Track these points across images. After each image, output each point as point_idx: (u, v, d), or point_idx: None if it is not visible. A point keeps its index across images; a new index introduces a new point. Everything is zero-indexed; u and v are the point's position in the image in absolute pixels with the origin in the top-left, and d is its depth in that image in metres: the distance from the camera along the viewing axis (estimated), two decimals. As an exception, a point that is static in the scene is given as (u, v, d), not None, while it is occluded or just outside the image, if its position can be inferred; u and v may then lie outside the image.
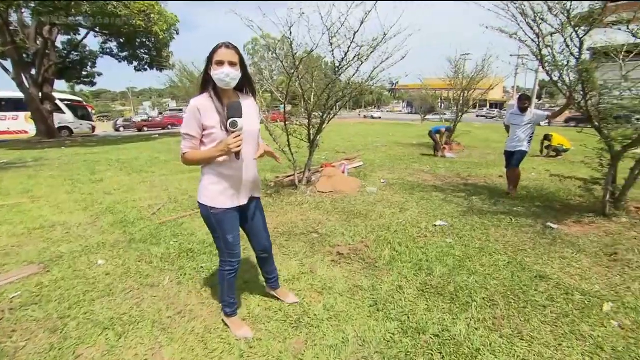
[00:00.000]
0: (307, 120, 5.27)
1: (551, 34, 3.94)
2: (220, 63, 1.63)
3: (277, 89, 5.77)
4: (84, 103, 23.06)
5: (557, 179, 4.63)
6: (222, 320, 2.11)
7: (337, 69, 4.93)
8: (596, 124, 3.74)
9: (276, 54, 4.75)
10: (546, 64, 3.94)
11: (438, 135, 9.43)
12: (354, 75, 5.17)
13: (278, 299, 2.34)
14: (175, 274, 2.74)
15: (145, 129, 27.13)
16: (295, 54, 4.60)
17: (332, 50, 4.73)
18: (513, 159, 4.97)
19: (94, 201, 5.00)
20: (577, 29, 3.66)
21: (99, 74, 23.23)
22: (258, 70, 6.00)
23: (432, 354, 1.81)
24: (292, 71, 4.64)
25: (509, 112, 5.22)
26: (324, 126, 5.43)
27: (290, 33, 4.24)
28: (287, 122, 5.33)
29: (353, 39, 4.61)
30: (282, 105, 5.50)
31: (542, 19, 3.85)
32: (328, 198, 4.96)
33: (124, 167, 8.03)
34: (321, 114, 5.31)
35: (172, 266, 2.88)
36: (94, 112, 26.93)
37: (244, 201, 1.86)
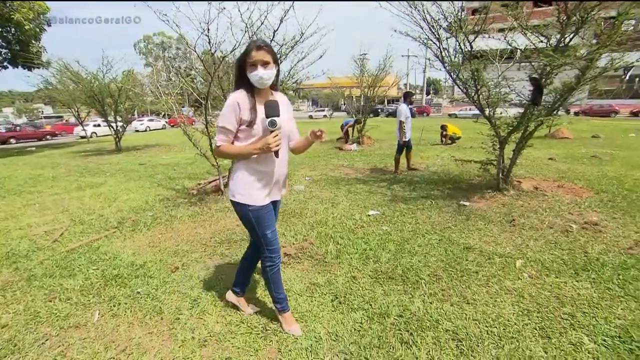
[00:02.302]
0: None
1: (447, 38, 4.57)
2: (254, 65, 1.64)
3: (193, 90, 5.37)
4: None
5: (459, 163, 5.39)
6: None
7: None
8: (487, 114, 4.48)
9: (196, 51, 4.38)
10: (446, 64, 4.55)
11: (350, 128, 10.06)
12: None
13: (237, 309, 2.21)
14: (106, 307, 2.33)
15: (12, 140, 22.03)
16: (214, 53, 4.33)
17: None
18: (411, 143, 6.36)
19: (-43, 236, 3.88)
20: (467, 35, 4.32)
21: None
22: (168, 69, 5.46)
23: (401, 334, 1.94)
24: (212, 71, 4.35)
25: (406, 108, 5.99)
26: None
27: (209, 30, 3.97)
28: (208, 125, 5.00)
29: (273, 37, 4.58)
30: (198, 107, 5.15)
31: (440, 25, 4.43)
32: (259, 200, 4.82)
33: (-7, 189, 6.43)
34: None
35: (100, 298, 2.44)
36: None
37: (277, 197, 1.91)
